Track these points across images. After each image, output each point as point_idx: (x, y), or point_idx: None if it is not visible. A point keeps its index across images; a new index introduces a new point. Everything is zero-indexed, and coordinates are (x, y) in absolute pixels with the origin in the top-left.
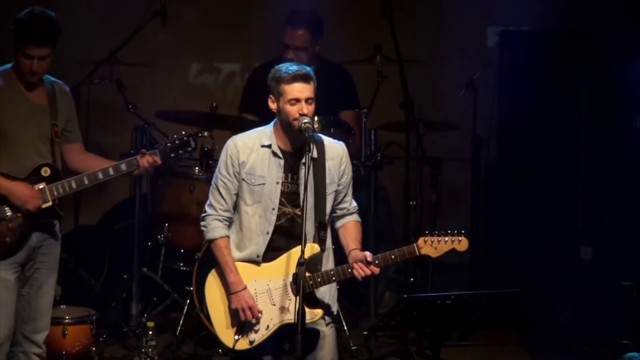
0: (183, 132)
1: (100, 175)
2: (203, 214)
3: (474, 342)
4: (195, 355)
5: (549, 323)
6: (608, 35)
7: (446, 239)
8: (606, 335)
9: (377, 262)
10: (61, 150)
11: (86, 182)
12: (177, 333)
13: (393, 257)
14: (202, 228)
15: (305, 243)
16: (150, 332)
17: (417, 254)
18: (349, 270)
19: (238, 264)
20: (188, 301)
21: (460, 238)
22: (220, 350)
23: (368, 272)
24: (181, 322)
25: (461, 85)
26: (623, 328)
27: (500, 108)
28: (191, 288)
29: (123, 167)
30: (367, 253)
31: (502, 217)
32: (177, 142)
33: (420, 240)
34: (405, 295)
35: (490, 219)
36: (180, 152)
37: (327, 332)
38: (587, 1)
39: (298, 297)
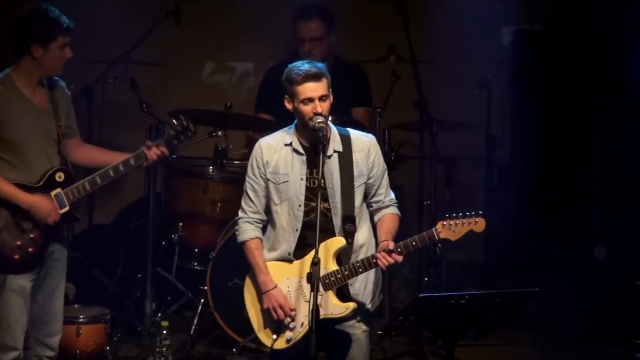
0: (181, 117)
1: (112, 173)
2: (236, 218)
3: (488, 342)
4: (209, 354)
5: (562, 323)
6: (623, 34)
7: (464, 220)
8: (620, 335)
9: (399, 250)
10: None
11: (99, 182)
12: (191, 332)
13: (414, 243)
14: (236, 232)
15: (319, 242)
16: (165, 332)
17: (437, 238)
18: (374, 260)
19: (270, 263)
20: (202, 300)
21: (477, 219)
22: (234, 350)
23: (391, 260)
24: (195, 321)
25: (475, 84)
26: (637, 328)
27: (514, 108)
28: (205, 287)
29: (132, 161)
30: (390, 242)
31: (515, 217)
32: (178, 128)
33: (439, 225)
34: (419, 295)
35: (504, 218)
36: (182, 137)
37: (359, 334)
38: (602, 0)
39: (312, 297)
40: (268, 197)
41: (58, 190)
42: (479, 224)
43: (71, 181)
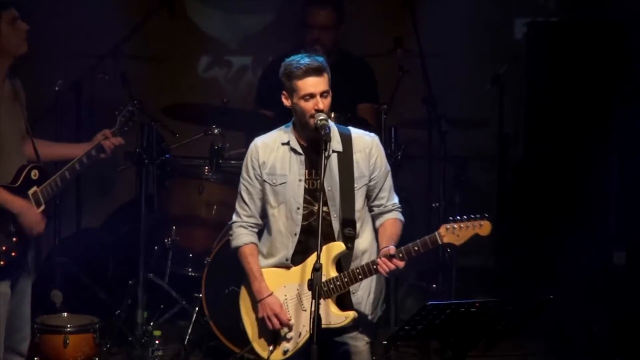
0: (129, 105)
1: (77, 167)
2: (230, 222)
3: (500, 352)
4: None
5: (580, 332)
6: None
7: (468, 224)
8: None
9: (400, 255)
10: None
11: (68, 177)
12: (185, 342)
13: (416, 248)
14: (230, 237)
15: (321, 247)
16: (157, 342)
17: (440, 242)
18: (374, 267)
19: (267, 270)
20: (197, 309)
21: (482, 222)
22: None
23: (392, 266)
24: (189, 330)
25: (487, 79)
26: None
27: (528, 104)
28: (200, 295)
29: (93, 152)
30: (391, 247)
31: (530, 220)
32: (127, 114)
33: (442, 229)
34: (427, 303)
35: (518, 221)
36: (131, 123)
37: (361, 346)
38: None
39: (313, 305)
40: (264, 200)
41: (34, 189)
42: (484, 227)
43: (45, 178)
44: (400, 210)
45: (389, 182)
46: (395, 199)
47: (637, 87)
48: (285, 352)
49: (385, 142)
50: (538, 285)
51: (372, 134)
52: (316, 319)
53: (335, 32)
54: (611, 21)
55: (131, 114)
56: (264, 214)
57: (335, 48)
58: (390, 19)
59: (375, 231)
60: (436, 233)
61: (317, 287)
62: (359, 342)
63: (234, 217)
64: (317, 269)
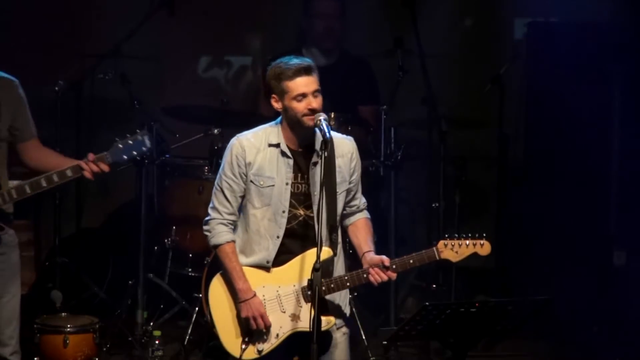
0: (137, 131)
1: (44, 183)
2: (207, 218)
3: (500, 353)
4: None
5: (580, 332)
6: None
7: (467, 242)
8: None
9: (394, 267)
10: (17, 151)
11: (28, 191)
12: (185, 343)
13: (412, 261)
14: (206, 233)
15: (321, 247)
16: (157, 342)
17: (437, 258)
18: (365, 275)
19: (245, 269)
20: (197, 309)
21: (482, 242)
22: None
23: (385, 277)
24: (189, 331)
25: (487, 80)
26: None
27: (529, 104)
28: (200, 295)
29: (69, 173)
30: (384, 257)
31: (530, 220)
32: (130, 142)
33: (440, 244)
34: (427, 303)
35: (518, 222)
36: (135, 153)
37: (340, 338)
38: None
39: (313, 305)
40: (245, 199)
41: None
42: (484, 248)
43: None
44: (367, 208)
45: (360, 182)
46: (364, 199)
47: (636, 87)
48: (259, 352)
49: (385, 142)
50: (538, 286)
51: (350, 137)
52: (316, 319)
53: (340, 22)
54: (610, 22)
55: (139, 143)
56: (242, 212)
57: (340, 43)
58: (390, 19)
59: (343, 230)
60: (434, 248)
61: (316, 287)
62: (337, 334)
63: (212, 213)
64: (317, 269)
